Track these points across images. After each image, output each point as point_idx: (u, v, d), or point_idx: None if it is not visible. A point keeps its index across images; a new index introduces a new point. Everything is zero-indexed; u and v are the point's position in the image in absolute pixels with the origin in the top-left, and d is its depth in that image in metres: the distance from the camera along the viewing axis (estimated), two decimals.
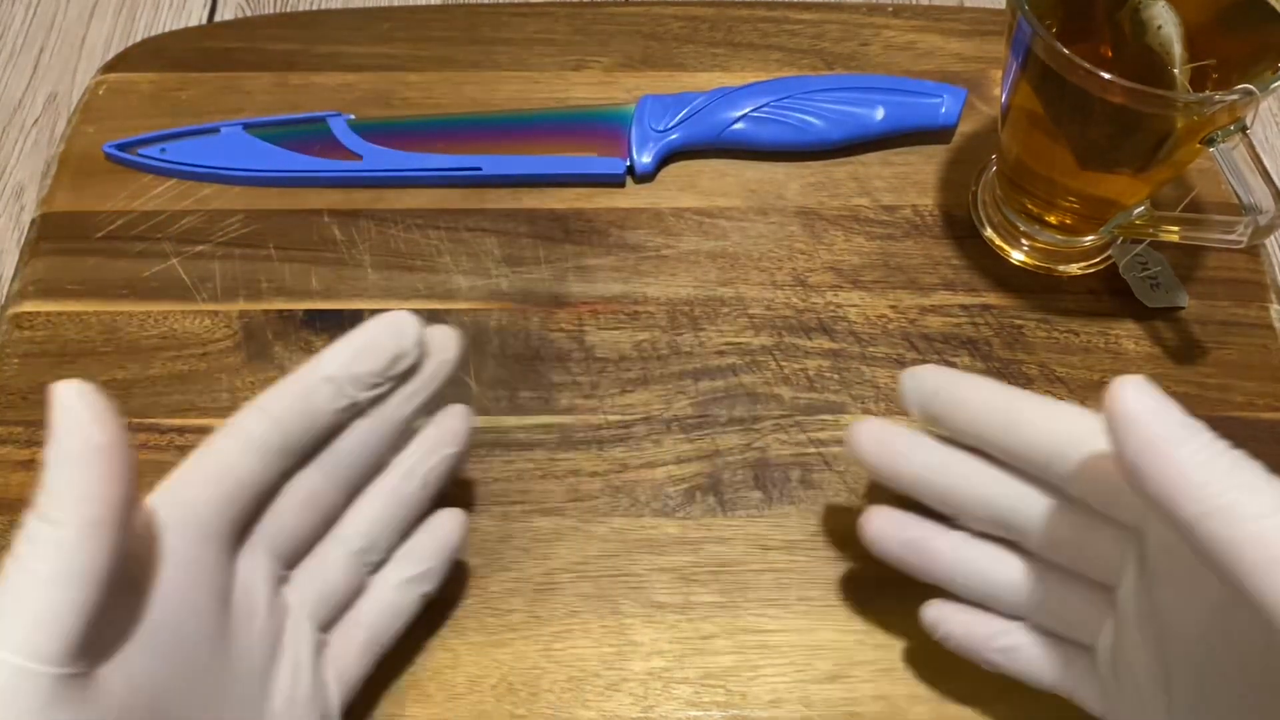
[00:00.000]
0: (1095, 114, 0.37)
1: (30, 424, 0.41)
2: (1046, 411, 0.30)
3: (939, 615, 0.34)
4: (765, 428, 0.41)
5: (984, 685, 0.36)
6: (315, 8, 0.58)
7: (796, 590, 0.38)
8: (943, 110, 0.47)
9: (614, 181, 0.47)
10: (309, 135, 0.48)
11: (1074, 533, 0.31)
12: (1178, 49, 0.36)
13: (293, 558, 0.32)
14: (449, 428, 0.34)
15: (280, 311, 0.44)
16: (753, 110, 0.47)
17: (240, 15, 0.57)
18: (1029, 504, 0.31)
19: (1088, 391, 0.42)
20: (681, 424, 0.41)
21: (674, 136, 0.47)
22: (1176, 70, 0.36)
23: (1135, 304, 0.44)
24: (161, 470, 0.42)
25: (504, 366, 0.42)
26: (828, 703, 0.36)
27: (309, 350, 0.43)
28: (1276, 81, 0.34)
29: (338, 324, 0.43)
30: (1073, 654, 0.32)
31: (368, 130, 0.48)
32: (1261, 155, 0.38)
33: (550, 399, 0.42)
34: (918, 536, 0.33)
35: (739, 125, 0.47)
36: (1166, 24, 0.36)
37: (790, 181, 0.47)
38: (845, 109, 0.47)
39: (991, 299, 0.44)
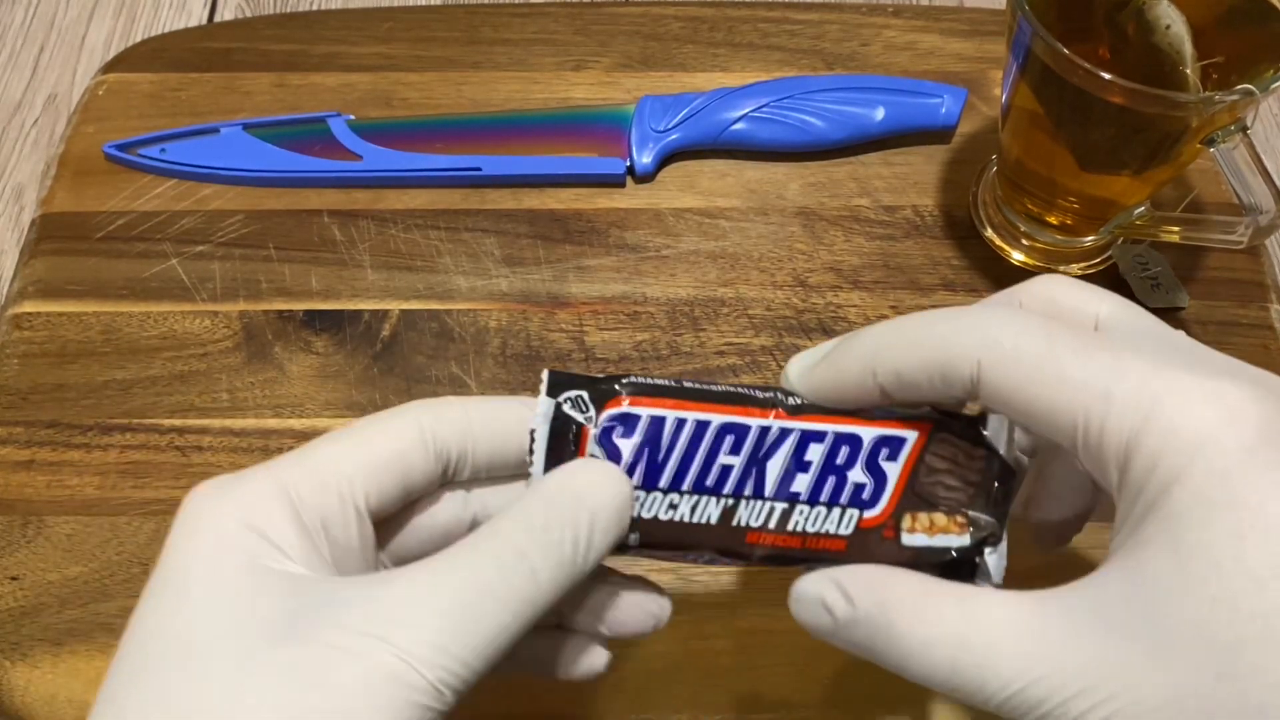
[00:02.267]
0: (1095, 115, 0.36)
1: (30, 424, 0.41)
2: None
3: None
4: None
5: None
6: (315, 8, 0.58)
7: None
8: (943, 110, 0.47)
9: (614, 182, 0.47)
10: (309, 135, 0.48)
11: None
12: (1188, 47, 0.35)
13: None
14: None
15: (280, 312, 0.44)
16: (753, 110, 0.47)
17: (240, 16, 0.58)
18: None
19: None
20: None
21: (674, 137, 0.47)
22: (1188, 69, 0.36)
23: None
24: (161, 470, 0.42)
25: (504, 367, 0.42)
26: (829, 703, 0.36)
27: (309, 350, 0.43)
28: (1276, 81, 0.34)
29: (337, 324, 0.43)
30: None
31: (367, 130, 0.48)
32: (1262, 155, 0.38)
33: None
34: None
35: (739, 125, 0.47)
36: (1175, 23, 0.35)
37: (790, 182, 0.47)
38: (845, 109, 0.47)
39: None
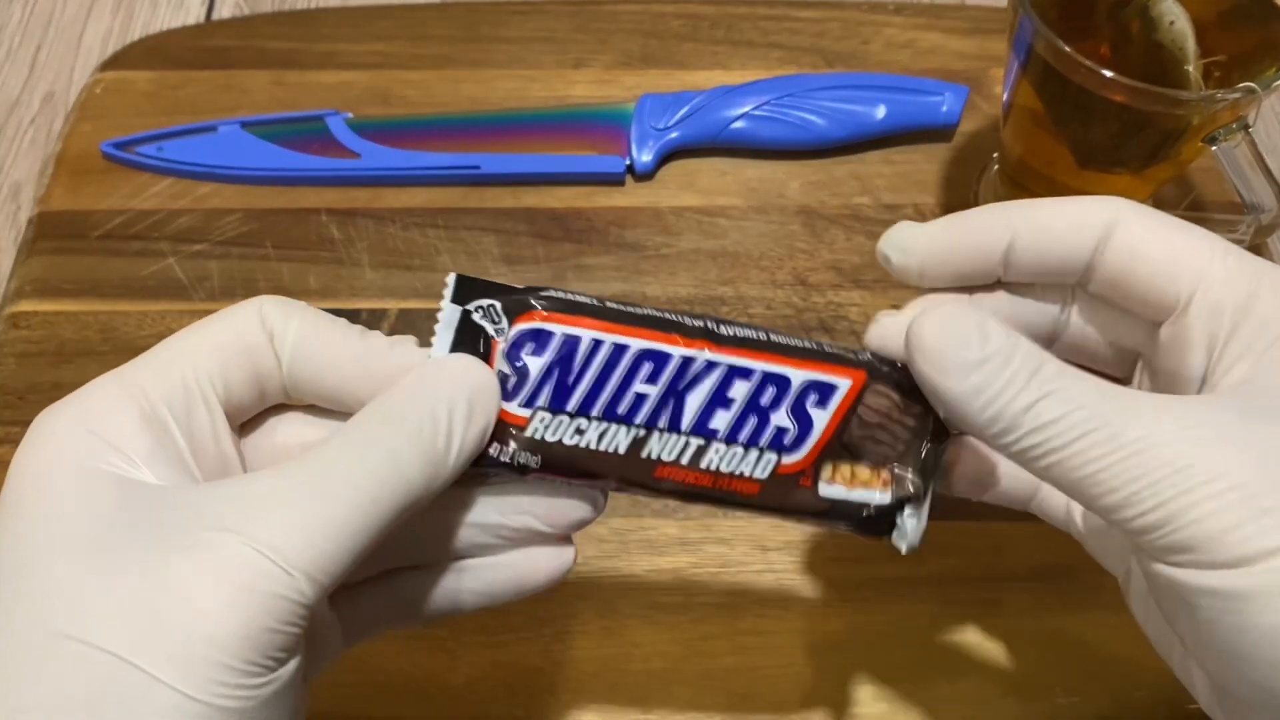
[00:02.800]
0: (1097, 113, 0.36)
1: (27, 424, 0.41)
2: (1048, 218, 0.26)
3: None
4: None
5: (987, 687, 0.36)
6: (313, 6, 0.57)
7: (797, 591, 0.38)
8: (944, 109, 0.47)
9: (614, 180, 0.47)
10: (307, 134, 0.48)
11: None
12: (1191, 44, 0.35)
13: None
14: None
15: None
16: (753, 109, 0.46)
17: (238, 13, 0.57)
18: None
19: None
20: None
21: (674, 135, 0.47)
22: (1190, 66, 0.36)
23: None
24: None
25: None
26: (829, 704, 0.36)
27: None
28: (1278, 79, 0.34)
29: None
30: None
31: (366, 128, 0.48)
32: (1264, 154, 0.38)
33: None
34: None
35: (739, 124, 0.47)
36: (1179, 19, 0.35)
37: (791, 180, 0.47)
38: (846, 107, 0.46)
39: None
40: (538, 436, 0.24)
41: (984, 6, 0.53)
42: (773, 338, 0.25)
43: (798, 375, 0.25)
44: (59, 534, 0.21)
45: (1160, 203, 0.43)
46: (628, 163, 0.47)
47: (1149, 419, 0.22)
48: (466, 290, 0.24)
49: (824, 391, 0.25)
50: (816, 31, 0.51)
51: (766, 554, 0.38)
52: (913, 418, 0.25)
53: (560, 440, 0.24)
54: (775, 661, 0.36)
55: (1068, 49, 0.35)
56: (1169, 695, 0.36)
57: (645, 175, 0.47)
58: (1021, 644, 0.36)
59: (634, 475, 0.25)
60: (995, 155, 0.46)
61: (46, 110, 0.53)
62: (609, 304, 0.25)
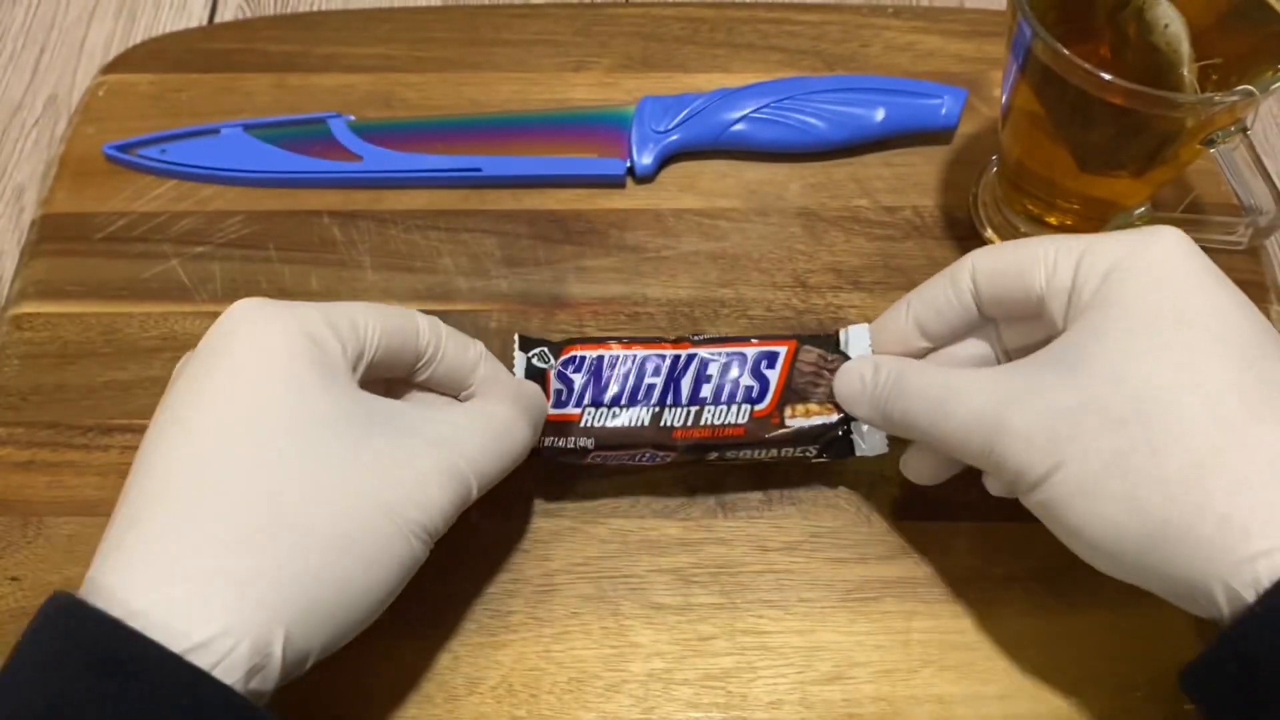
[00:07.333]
0: (1096, 115, 0.36)
1: (30, 425, 0.41)
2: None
3: None
4: None
5: (984, 687, 0.36)
6: (315, 9, 0.58)
7: (796, 591, 0.38)
8: (943, 111, 0.47)
9: (614, 182, 0.47)
10: (309, 136, 0.48)
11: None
12: (1186, 47, 0.35)
13: None
14: None
15: None
16: (753, 111, 0.47)
17: (240, 17, 0.58)
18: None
19: None
20: None
21: (674, 137, 0.47)
22: (1185, 70, 0.36)
23: None
24: None
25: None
26: (828, 704, 0.36)
27: None
28: (1276, 82, 0.34)
29: None
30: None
31: (367, 131, 0.48)
32: (1262, 156, 0.38)
33: None
34: None
35: (739, 126, 0.47)
36: (1174, 23, 0.35)
37: (790, 182, 0.47)
38: (846, 110, 0.47)
39: None
40: (588, 424, 0.37)
41: (982, 9, 0.53)
42: (730, 336, 0.39)
43: (751, 351, 0.38)
44: (322, 411, 0.30)
45: (1159, 205, 0.44)
46: (628, 165, 0.47)
47: (974, 390, 0.32)
48: (526, 343, 0.38)
49: (770, 358, 0.38)
50: (816, 34, 0.52)
51: (766, 554, 0.38)
52: (837, 362, 0.37)
53: (604, 424, 0.37)
54: (775, 662, 0.36)
55: (1065, 51, 0.35)
56: (1167, 695, 0.36)
57: (646, 178, 0.47)
58: (1020, 644, 0.37)
59: (659, 440, 0.37)
60: (994, 157, 0.47)
61: (49, 113, 0.53)
62: (618, 336, 0.39)
